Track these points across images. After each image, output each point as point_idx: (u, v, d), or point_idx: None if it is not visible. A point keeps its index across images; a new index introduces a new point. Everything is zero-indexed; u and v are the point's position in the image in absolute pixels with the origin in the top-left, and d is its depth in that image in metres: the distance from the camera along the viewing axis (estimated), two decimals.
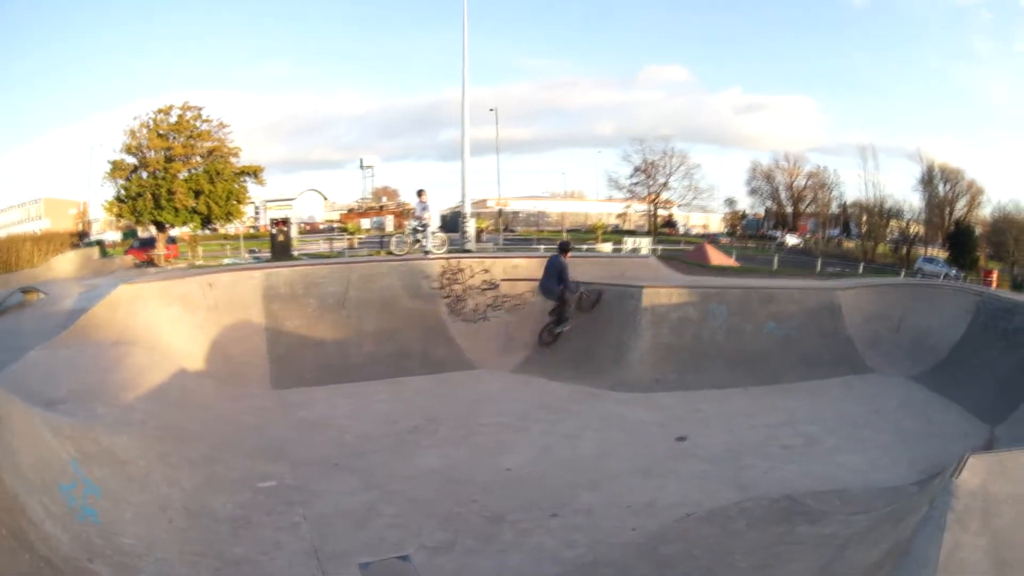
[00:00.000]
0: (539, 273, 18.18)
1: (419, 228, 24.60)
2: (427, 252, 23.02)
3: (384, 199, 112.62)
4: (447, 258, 19.19)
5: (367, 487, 9.19)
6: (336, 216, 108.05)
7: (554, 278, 17.15)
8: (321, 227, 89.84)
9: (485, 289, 18.30)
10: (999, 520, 5.22)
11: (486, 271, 18.58)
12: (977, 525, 5.11)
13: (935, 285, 22.20)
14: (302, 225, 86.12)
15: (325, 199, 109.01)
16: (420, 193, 25.80)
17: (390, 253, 22.99)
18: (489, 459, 10.50)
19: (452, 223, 47.27)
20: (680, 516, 8.34)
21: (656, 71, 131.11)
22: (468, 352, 16.56)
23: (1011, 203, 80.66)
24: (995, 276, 48.22)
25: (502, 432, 11.80)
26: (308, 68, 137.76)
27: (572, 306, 17.43)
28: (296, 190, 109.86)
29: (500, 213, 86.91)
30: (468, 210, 41.14)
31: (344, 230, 75.74)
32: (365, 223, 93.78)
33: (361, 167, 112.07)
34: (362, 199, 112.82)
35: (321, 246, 56.22)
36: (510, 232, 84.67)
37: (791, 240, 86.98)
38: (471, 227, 40.07)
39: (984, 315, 16.54)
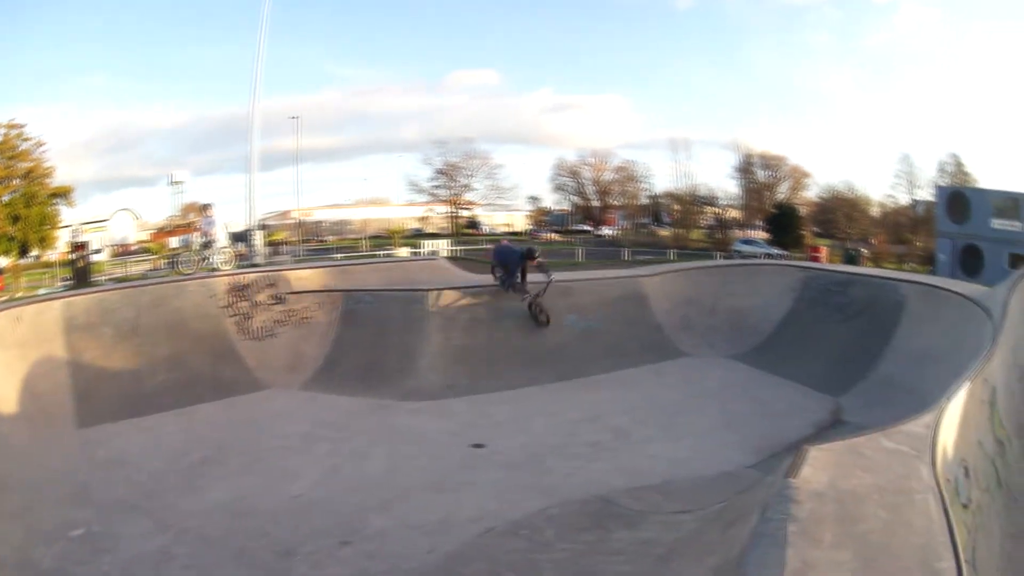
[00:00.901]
0: (326, 282, 17.86)
1: (206, 244, 22.70)
2: (214, 269, 21.21)
3: (192, 215, 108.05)
4: (233, 274, 17.55)
5: (162, 528, 8.53)
6: (148, 236, 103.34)
7: (512, 263, 16.62)
8: (133, 248, 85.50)
9: (272, 304, 16.71)
10: (866, 524, 4.34)
11: (271, 285, 17.01)
12: (833, 535, 4.17)
13: (751, 264, 22.11)
14: (115, 247, 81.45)
15: (137, 218, 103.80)
16: (205, 208, 24.33)
17: (180, 272, 21.15)
18: (278, 486, 9.72)
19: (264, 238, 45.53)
20: (480, 531, 7.82)
21: (464, 75, 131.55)
22: (257, 372, 15.14)
23: (841, 183, 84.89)
24: (824, 252, 49.01)
25: (289, 456, 10.94)
26: (125, 81, 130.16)
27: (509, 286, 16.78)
28: (111, 210, 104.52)
29: (300, 223, 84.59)
30: (255, 223, 39.92)
31: (147, 251, 71.91)
32: (174, 241, 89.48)
33: (170, 183, 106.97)
34: (171, 217, 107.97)
35: (129, 268, 53.08)
36: (311, 242, 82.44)
37: (606, 231, 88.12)
38: (258, 240, 38.68)
39: (812, 290, 16.56)
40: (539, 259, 16.38)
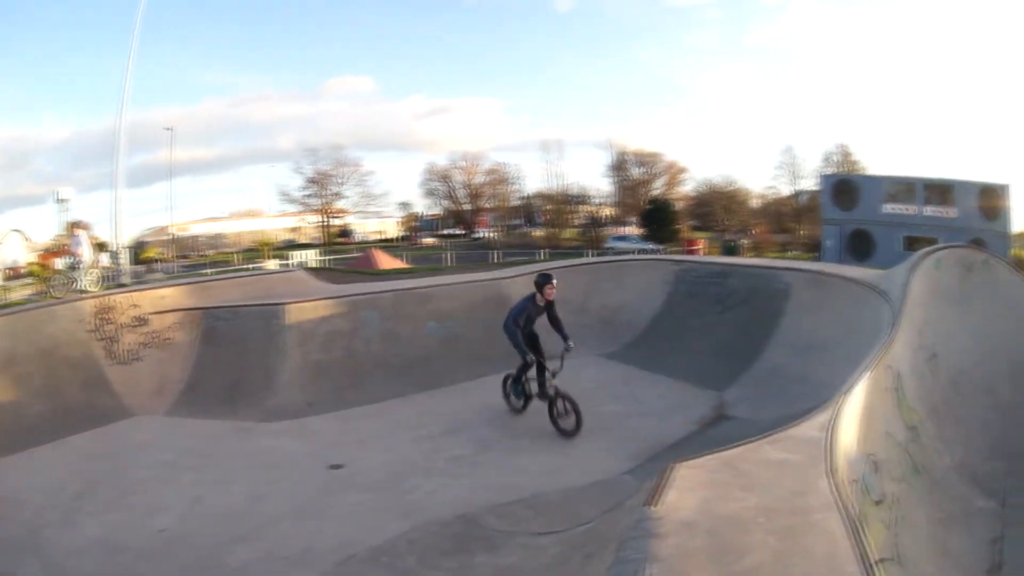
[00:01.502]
0: (187, 299, 16.28)
1: (73, 266, 21.06)
2: (83, 291, 19.76)
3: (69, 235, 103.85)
4: (100, 296, 16.22)
5: (45, 569, 8.07)
6: (36, 257, 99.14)
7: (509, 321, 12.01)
8: (22, 271, 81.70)
9: (136, 326, 15.53)
10: (752, 558, 3.73)
11: (135, 305, 15.69)
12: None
13: (622, 261, 21.25)
14: (6, 271, 77.94)
15: (27, 240, 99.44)
16: (73, 226, 22.68)
17: (53, 296, 19.56)
18: (144, 520, 9.10)
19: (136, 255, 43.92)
20: (341, 560, 7.47)
21: (341, 82, 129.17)
22: (126, 398, 13.98)
23: (719, 176, 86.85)
24: (701, 245, 50.20)
25: (156, 487, 10.17)
26: (14, 93, 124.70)
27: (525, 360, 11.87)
28: (2, 232, 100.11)
29: (174, 239, 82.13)
30: (121, 241, 38.98)
31: (32, 273, 68.62)
32: (59, 262, 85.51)
33: (56, 201, 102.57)
34: (56, 236, 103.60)
35: (11, 294, 50.29)
36: (187, 258, 80.00)
37: (485, 234, 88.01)
38: (124, 259, 37.58)
39: (687, 283, 16.30)
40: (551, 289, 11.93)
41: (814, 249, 53.00)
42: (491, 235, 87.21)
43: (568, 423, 11.08)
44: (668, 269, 16.96)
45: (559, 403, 11.23)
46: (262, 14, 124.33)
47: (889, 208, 45.50)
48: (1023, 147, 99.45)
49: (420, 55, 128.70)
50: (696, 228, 78.71)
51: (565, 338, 11.59)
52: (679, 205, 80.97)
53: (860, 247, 44.86)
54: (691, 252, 41.24)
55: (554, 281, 11.75)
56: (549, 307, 11.85)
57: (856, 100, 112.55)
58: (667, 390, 13.09)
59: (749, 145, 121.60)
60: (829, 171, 68.21)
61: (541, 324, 12.15)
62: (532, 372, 11.81)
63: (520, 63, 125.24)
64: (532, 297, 11.83)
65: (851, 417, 6.01)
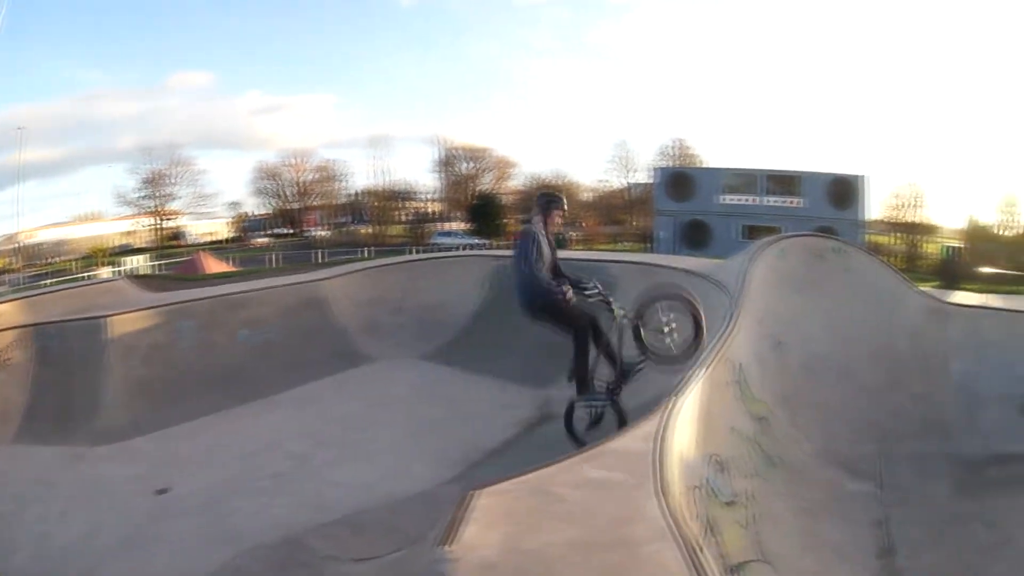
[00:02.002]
0: (22, 315, 14.72)
1: None
2: None
3: None
4: None
5: None
6: None
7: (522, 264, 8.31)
8: None
9: None
10: None
11: None
12: None
13: (441, 258, 21.41)
14: None
15: None
16: None
17: None
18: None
19: None
20: None
21: (182, 78, 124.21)
22: None
23: (548, 171, 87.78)
24: None
25: (6, 524, 9.34)
26: None
27: (582, 311, 8.42)
28: None
29: (19, 248, 77.51)
30: None
31: None
32: None
33: None
34: None
35: None
36: (35, 266, 75.58)
37: (316, 232, 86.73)
38: None
39: (506, 278, 15.18)
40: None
41: (645, 240, 54.20)
42: (320, 234, 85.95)
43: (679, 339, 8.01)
44: (487, 265, 16.58)
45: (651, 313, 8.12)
46: (110, 3, 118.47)
47: (728, 199, 47.24)
48: (879, 139, 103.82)
49: (260, 49, 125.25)
50: (525, 222, 78.89)
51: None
52: (507, 200, 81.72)
53: (696, 237, 46.82)
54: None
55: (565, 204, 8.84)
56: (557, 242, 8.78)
57: (697, 96, 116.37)
58: (488, 391, 12.79)
59: (584, 140, 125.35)
60: (664, 164, 70.02)
61: None
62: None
63: (360, 58, 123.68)
64: (535, 226, 8.51)
65: (686, 420, 5.56)
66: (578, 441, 8.04)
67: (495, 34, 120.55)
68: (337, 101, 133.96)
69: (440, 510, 5.03)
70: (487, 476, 5.79)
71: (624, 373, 8.29)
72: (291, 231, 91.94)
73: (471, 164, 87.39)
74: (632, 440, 4.82)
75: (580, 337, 8.04)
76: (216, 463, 10.59)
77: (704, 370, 6.63)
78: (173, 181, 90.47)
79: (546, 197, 8.79)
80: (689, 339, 7.82)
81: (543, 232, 8.43)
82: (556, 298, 7.95)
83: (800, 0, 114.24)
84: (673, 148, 78.79)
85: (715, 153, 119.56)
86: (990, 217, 59.52)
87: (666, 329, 7.95)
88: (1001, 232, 57.34)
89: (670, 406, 5.39)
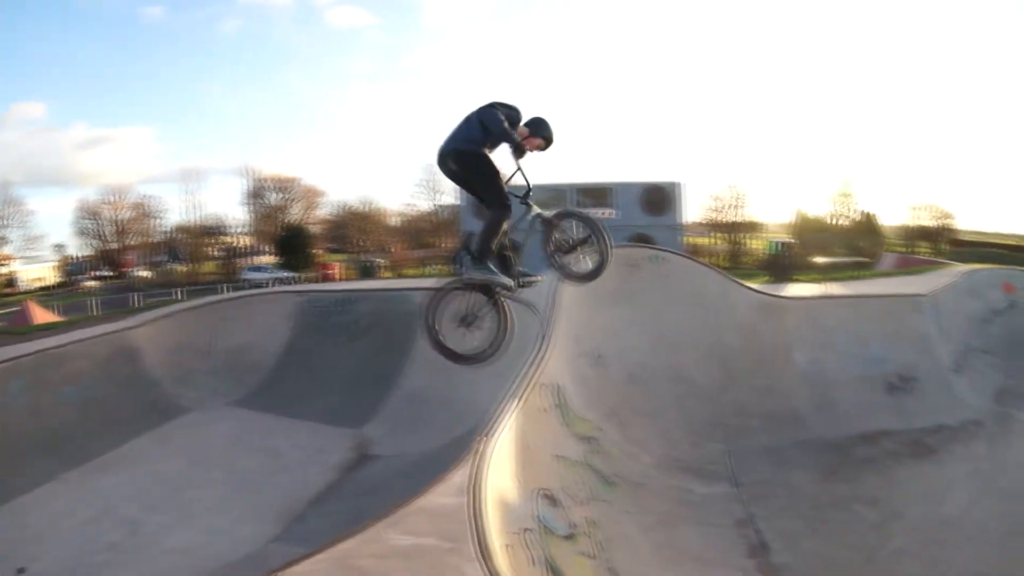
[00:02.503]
0: None
1: None
2: None
3: None
4: None
5: None
6: None
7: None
8: None
9: None
10: None
11: None
12: None
13: (245, 296, 20.51)
14: None
15: None
16: None
17: None
18: None
19: None
20: None
21: (21, 109, 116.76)
22: None
23: (356, 198, 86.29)
24: (337, 268, 50.21)
25: None
26: None
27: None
28: None
29: None
30: None
31: None
32: None
33: None
34: None
35: None
36: None
37: (131, 273, 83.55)
38: None
39: (311, 314, 15.44)
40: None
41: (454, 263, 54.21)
42: (142, 274, 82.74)
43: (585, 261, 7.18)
44: (290, 301, 16.02)
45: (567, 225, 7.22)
46: None
47: None
48: (698, 146, 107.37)
49: (87, 77, 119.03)
50: (334, 251, 79.47)
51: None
52: (316, 229, 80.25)
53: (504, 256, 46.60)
54: (327, 277, 40.87)
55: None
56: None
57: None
58: (302, 435, 12.22)
59: (394, 165, 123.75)
60: None
61: None
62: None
63: (179, 88, 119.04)
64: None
65: (502, 461, 5.13)
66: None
67: (314, 61, 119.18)
68: (156, 134, 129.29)
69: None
70: (311, 529, 6.29)
71: (520, 275, 7.01)
72: (112, 273, 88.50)
73: (280, 195, 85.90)
74: (442, 495, 4.28)
75: (499, 214, 6.75)
76: (62, 533, 10.03)
77: (516, 402, 6.24)
78: (5, 223, 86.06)
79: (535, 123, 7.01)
80: (586, 272, 7.04)
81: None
82: (513, 147, 6.75)
83: (610, 13, 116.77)
84: None
85: (525, 170, 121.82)
86: (821, 209, 63.28)
87: (575, 245, 7.07)
88: (834, 222, 60.23)
89: (480, 449, 4.87)
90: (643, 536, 6.68)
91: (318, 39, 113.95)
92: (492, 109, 6.69)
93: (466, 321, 6.69)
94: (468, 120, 6.87)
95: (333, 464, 10.69)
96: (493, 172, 6.81)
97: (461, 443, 5.62)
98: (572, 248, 7.07)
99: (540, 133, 6.96)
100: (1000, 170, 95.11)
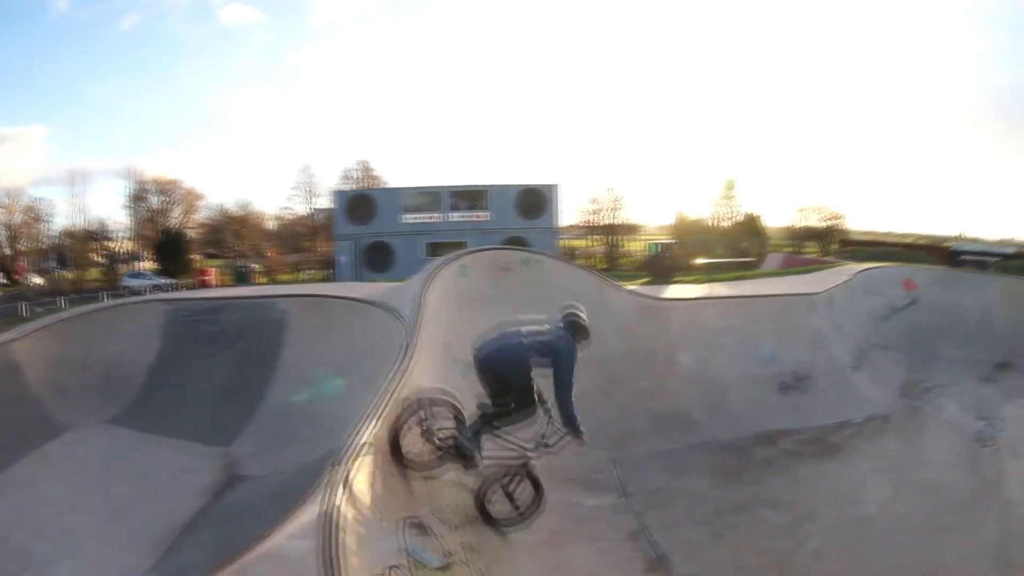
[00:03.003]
0: None
1: None
2: None
3: None
4: None
5: None
6: None
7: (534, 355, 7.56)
8: None
9: None
10: None
11: None
12: None
13: (117, 305, 18.76)
14: None
15: None
16: None
17: None
18: None
19: None
20: None
21: None
22: None
23: (233, 202, 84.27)
24: (213, 274, 49.99)
25: None
26: None
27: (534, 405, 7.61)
28: None
29: None
30: None
31: None
32: None
33: None
34: None
35: None
36: None
37: (35, 280, 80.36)
38: None
39: (180, 324, 14.56)
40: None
41: (329, 267, 53.39)
42: (35, 281, 79.69)
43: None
44: (159, 311, 15.20)
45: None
46: None
47: (410, 218, 47.46)
48: (571, 150, 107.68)
49: None
50: (212, 256, 77.53)
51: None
52: (194, 234, 78.23)
53: (378, 259, 46.87)
54: (203, 283, 39.96)
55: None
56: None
57: (385, 118, 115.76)
58: (172, 455, 11.44)
59: (273, 167, 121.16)
60: (347, 187, 69.47)
61: None
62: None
63: (72, 85, 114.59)
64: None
65: (360, 488, 4.57)
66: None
67: (204, 60, 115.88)
68: (49, 132, 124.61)
69: None
70: (186, 560, 6.16)
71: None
72: (4, 281, 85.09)
73: (162, 198, 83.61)
74: (289, 538, 3.67)
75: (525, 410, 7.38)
76: None
77: (374, 421, 5.65)
78: None
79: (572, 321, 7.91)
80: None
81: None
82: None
83: (494, 15, 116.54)
84: (357, 171, 78.72)
85: (402, 174, 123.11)
86: (703, 211, 63.92)
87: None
88: (716, 223, 61.45)
89: (332, 479, 4.30)
90: (530, 558, 6.29)
91: (210, 38, 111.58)
92: (567, 388, 7.45)
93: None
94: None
95: (204, 486, 10.14)
96: (530, 388, 7.37)
97: (327, 462, 5.17)
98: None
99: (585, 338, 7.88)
100: (893, 172, 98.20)
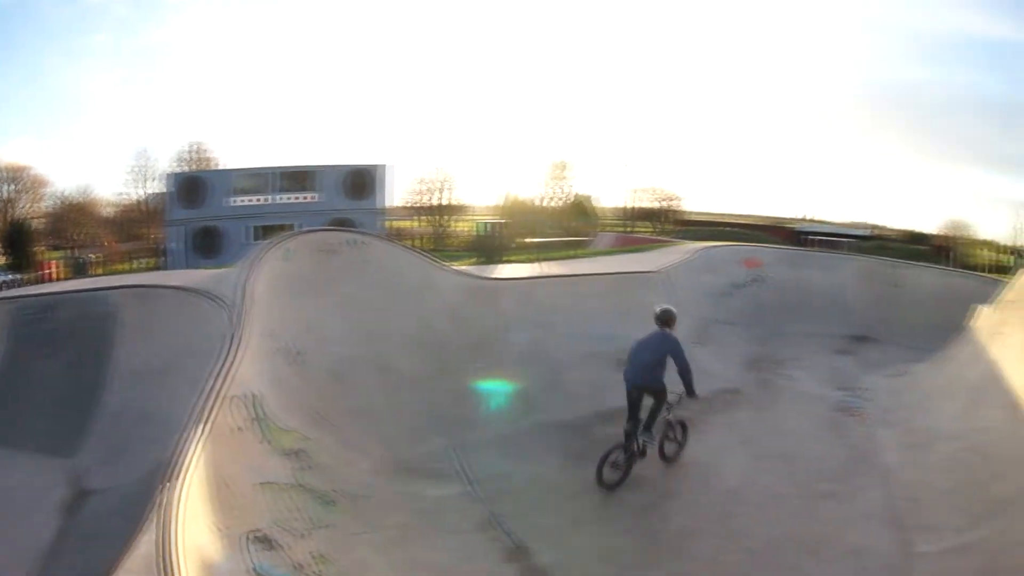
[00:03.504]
0: None
1: None
2: None
3: None
4: None
5: None
6: None
7: (659, 365, 10.00)
8: None
9: None
10: None
11: None
12: None
13: None
14: None
15: None
16: None
17: None
18: None
19: None
20: None
21: None
22: None
23: (75, 189, 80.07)
24: (55, 267, 45.67)
25: None
26: None
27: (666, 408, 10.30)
28: None
29: None
30: None
31: None
32: None
33: None
34: None
35: None
36: None
37: None
38: None
39: (23, 324, 13.24)
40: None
41: (161, 254, 51.57)
42: None
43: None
44: (5, 309, 13.75)
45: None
46: None
47: (239, 201, 46.05)
48: (401, 130, 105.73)
49: None
50: (55, 248, 73.00)
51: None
52: (37, 224, 74.26)
53: (207, 245, 45.04)
54: (46, 277, 38.06)
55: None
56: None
57: (226, 98, 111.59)
58: (18, 471, 10.15)
59: (118, 150, 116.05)
60: (180, 170, 66.92)
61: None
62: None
63: None
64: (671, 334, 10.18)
65: (194, 507, 4.32)
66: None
67: (65, 39, 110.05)
68: None
69: None
70: None
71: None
72: None
73: (10, 187, 79.24)
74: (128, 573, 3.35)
75: (661, 406, 10.03)
76: None
77: (201, 427, 5.35)
78: None
79: (667, 313, 10.24)
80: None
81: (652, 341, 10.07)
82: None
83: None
84: (191, 153, 75.61)
85: (238, 156, 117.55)
86: (533, 191, 63.87)
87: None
88: (545, 203, 61.58)
89: (166, 500, 3.99)
90: (381, 558, 6.06)
91: (72, 16, 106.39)
92: (688, 367, 9.83)
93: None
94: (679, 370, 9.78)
95: (56, 504, 9.09)
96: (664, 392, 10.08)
97: (159, 478, 4.74)
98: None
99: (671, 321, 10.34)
100: (732, 156, 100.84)
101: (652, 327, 9.78)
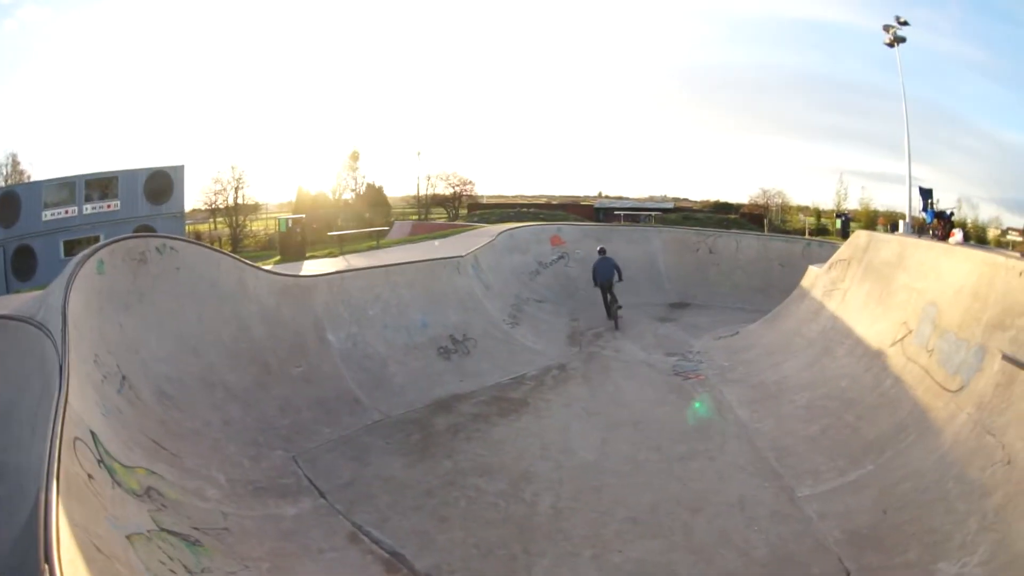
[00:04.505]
0: None
1: None
2: None
3: None
4: None
5: None
6: None
7: (613, 271, 19.26)
8: None
9: None
10: None
11: None
12: None
13: None
14: None
15: None
16: None
17: None
18: None
19: None
20: None
21: None
22: None
23: None
24: None
25: None
26: None
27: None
28: None
29: None
30: None
31: None
32: None
33: None
34: None
35: None
36: None
37: None
38: None
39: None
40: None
41: None
42: None
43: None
44: None
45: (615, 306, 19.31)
46: None
47: (50, 215, 42.66)
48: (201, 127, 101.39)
49: None
50: (602, 251, 67.73)
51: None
52: None
53: (23, 266, 41.26)
54: None
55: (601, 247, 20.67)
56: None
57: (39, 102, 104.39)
58: None
59: None
60: None
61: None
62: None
63: None
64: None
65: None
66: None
67: None
68: None
69: None
70: None
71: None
72: None
73: None
74: None
75: (612, 289, 19.23)
76: None
77: (54, 482, 4.37)
78: None
79: (603, 249, 20.44)
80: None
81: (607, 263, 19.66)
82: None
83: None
84: (5, 167, 70.53)
85: (54, 166, 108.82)
86: (325, 185, 62.53)
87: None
88: (338, 196, 60.89)
89: None
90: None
91: None
92: (618, 274, 19.21)
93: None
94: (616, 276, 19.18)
95: None
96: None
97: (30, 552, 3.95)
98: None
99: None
100: (523, 141, 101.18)
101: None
